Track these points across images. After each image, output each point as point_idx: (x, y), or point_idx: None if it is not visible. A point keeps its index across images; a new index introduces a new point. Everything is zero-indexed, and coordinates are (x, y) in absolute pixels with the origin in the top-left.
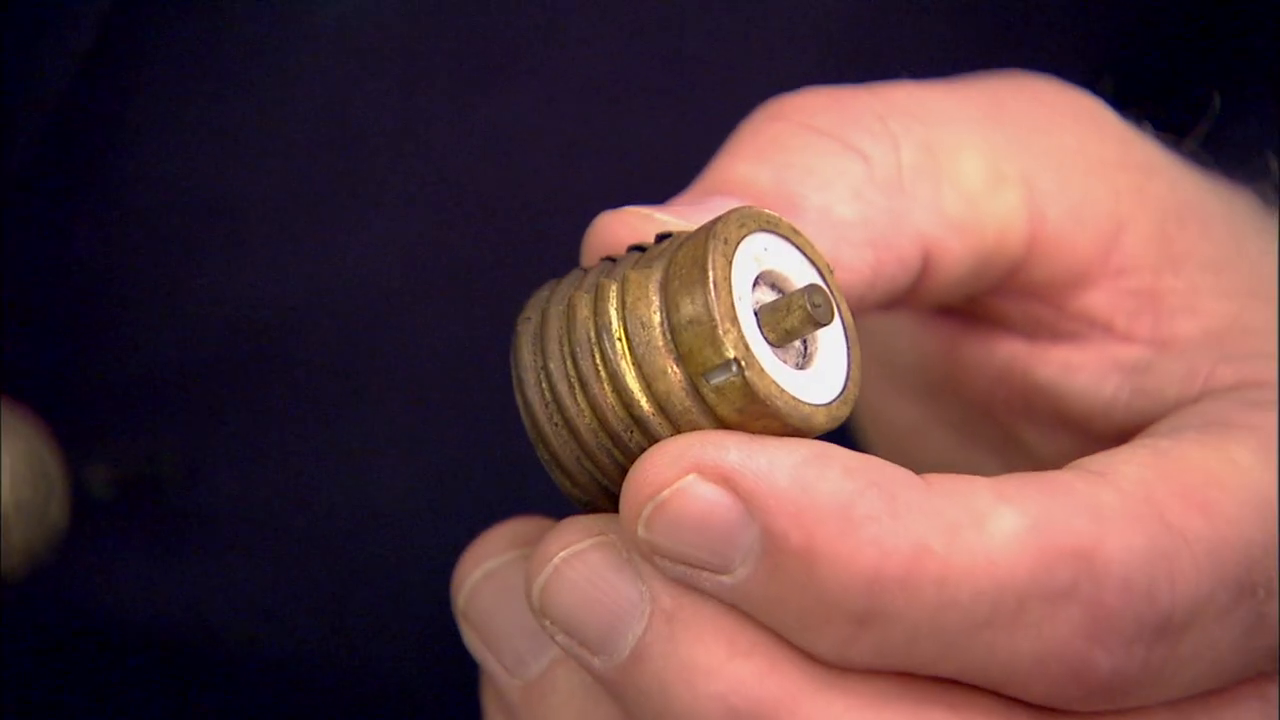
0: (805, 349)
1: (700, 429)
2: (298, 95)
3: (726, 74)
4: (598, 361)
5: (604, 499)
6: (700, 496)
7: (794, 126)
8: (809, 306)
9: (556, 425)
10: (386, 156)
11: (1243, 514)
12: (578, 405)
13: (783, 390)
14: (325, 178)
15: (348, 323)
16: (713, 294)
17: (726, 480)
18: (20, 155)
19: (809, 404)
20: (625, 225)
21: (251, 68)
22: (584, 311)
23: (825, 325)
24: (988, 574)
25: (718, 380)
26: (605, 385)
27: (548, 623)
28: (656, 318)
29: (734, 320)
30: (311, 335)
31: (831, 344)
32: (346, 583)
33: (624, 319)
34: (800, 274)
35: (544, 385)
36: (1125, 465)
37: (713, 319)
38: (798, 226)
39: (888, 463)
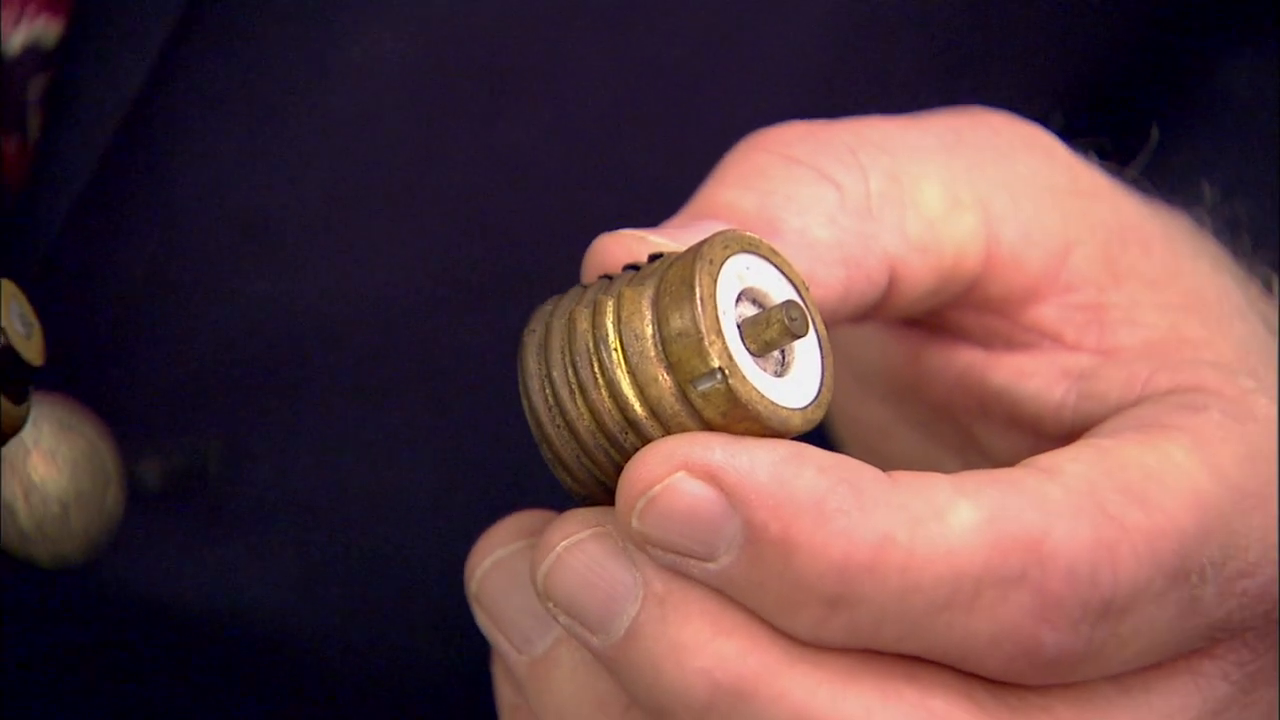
0: (783, 358)
1: (689, 431)
2: (330, 123)
3: (718, 106)
4: (596, 370)
5: (601, 494)
6: (688, 491)
7: (774, 157)
8: (786, 320)
9: (559, 427)
10: (409, 178)
11: (1177, 506)
12: (578, 409)
13: (762, 396)
14: (354, 198)
15: (374, 329)
16: (699, 309)
17: (712, 477)
18: (81, 177)
19: (786, 408)
20: (621, 245)
21: (288, 99)
22: (584, 324)
23: (801, 337)
24: (947, 562)
25: (704, 387)
26: (603, 391)
27: (551, 605)
28: (649, 330)
29: (718, 333)
30: (341, 340)
31: (807, 353)
32: (372, 564)
33: (620, 332)
34: (779, 290)
35: (547, 391)
36: (1071, 463)
37: (699, 332)
38: (777, 247)
39: (857, 461)
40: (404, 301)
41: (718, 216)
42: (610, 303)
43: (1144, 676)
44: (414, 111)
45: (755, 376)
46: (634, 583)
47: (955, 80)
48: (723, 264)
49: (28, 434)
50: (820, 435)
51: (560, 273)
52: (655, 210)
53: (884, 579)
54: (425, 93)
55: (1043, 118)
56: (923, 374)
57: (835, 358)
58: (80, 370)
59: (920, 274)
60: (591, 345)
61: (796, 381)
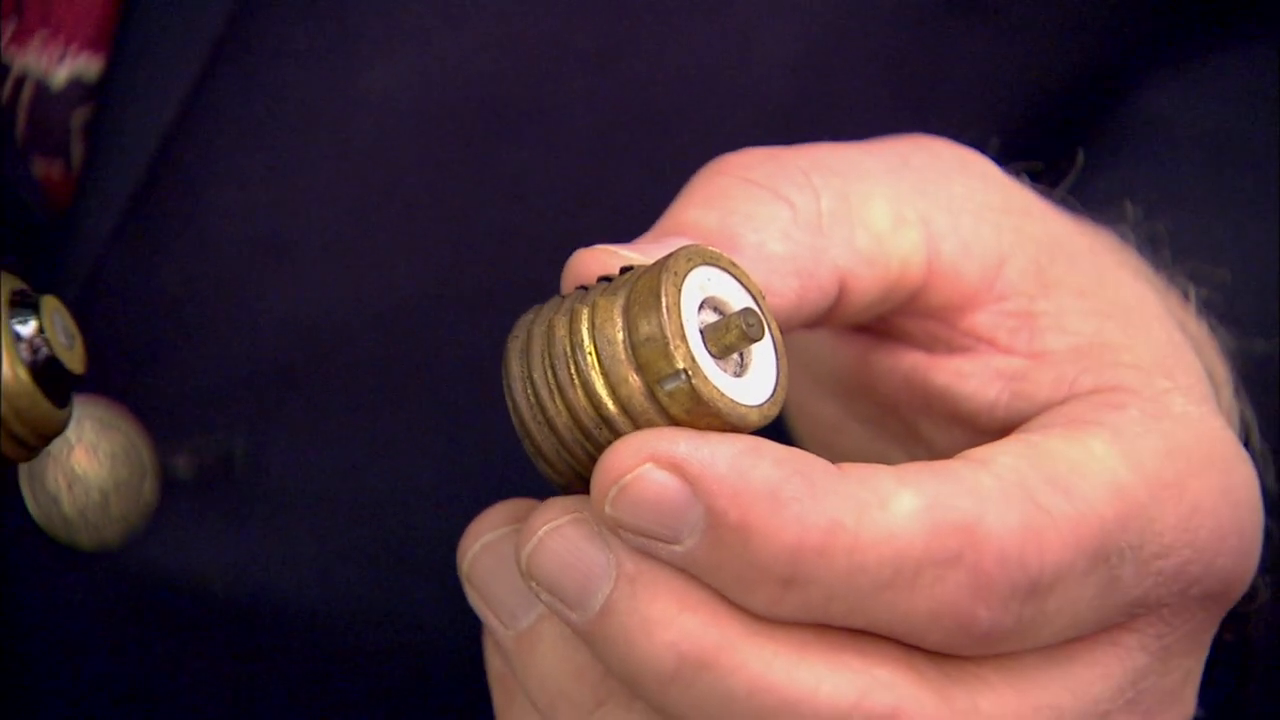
0: (742, 360)
1: (657, 426)
2: (346, 149)
3: (693, 135)
4: (572, 371)
5: (579, 483)
6: (655, 480)
7: (734, 179)
8: (744, 326)
9: (539, 423)
10: (417, 199)
11: (1098, 496)
12: (556, 407)
13: (723, 394)
14: (367, 217)
15: (385, 336)
16: (665, 316)
17: (676, 467)
18: (120, 201)
19: (745, 405)
20: (595, 259)
21: (309, 127)
22: (561, 331)
23: (757, 341)
24: (890, 545)
25: (670, 386)
26: (579, 391)
27: (534, 584)
28: (620, 336)
29: (683, 338)
30: (357, 345)
31: (763, 356)
32: (383, 549)
33: (594, 337)
34: (738, 299)
35: (529, 391)
36: (1002, 455)
37: (665, 337)
38: (736, 260)
39: (810, 454)
40: (412, 311)
41: (683, 233)
42: (585, 311)
43: (1069, 648)
44: (422, 138)
45: (716, 377)
46: (608, 564)
47: (904, 109)
48: (686, 275)
49: (71, 431)
50: (779, 431)
51: (553, 284)
52: (637, 227)
53: (833, 561)
54: (432, 121)
55: (981, 143)
56: (871, 375)
57: (791, 361)
58: (119, 374)
59: (868, 284)
60: (569, 349)
61: (754, 381)
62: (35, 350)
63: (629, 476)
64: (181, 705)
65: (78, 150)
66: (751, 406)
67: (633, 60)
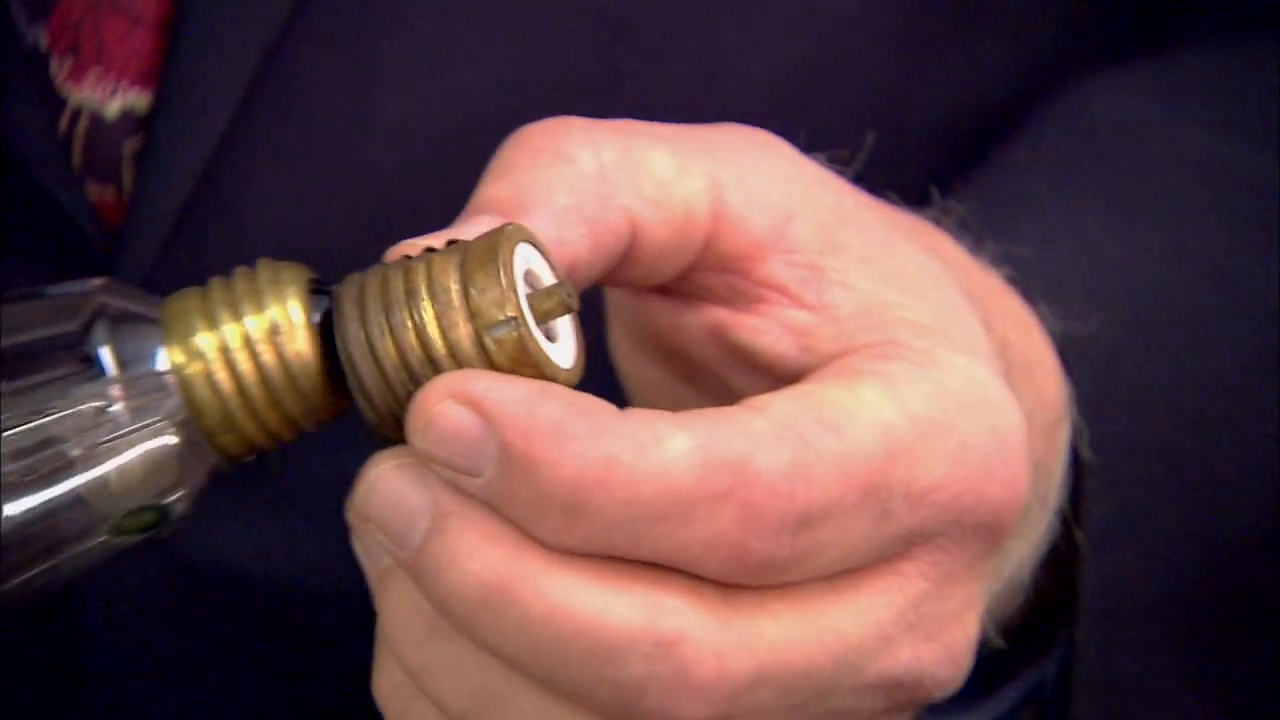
0: (549, 331)
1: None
2: (370, 173)
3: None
4: (406, 315)
5: (397, 429)
6: (455, 416)
7: (521, 149)
8: (564, 295)
9: (368, 363)
10: (434, 218)
11: (866, 434)
12: (386, 348)
13: (542, 349)
14: (390, 234)
15: None
16: (500, 272)
17: (475, 404)
18: (167, 223)
19: (557, 365)
20: (416, 250)
21: (337, 154)
22: (397, 282)
23: (573, 311)
24: (663, 481)
25: (499, 334)
26: (411, 334)
27: (369, 525)
28: (454, 286)
29: (515, 291)
30: None
31: (566, 331)
32: None
33: (429, 286)
34: (548, 277)
35: (361, 334)
36: (777, 401)
37: (500, 288)
38: (534, 229)
39: (596, 398)
40: None
41: (485, 209)
42: (421, 265)
43: (852, 577)
44: (436, 163)
45: (538, 335)
46: (427, 503)
47: (875, 133)
48: (516, 245)
49: None
50: (615, 397)
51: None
52: None
53: (610, 494)
54: (445, 147)
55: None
56: (682, 335)
57: (616, 327)
58: None
59: (657, 228)
60: (404, 296)
61: (561, 351)
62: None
63: (434, 410)
64: (227, 683)
65: (128, 176)
66: (561, 369)
67: (628, 90)
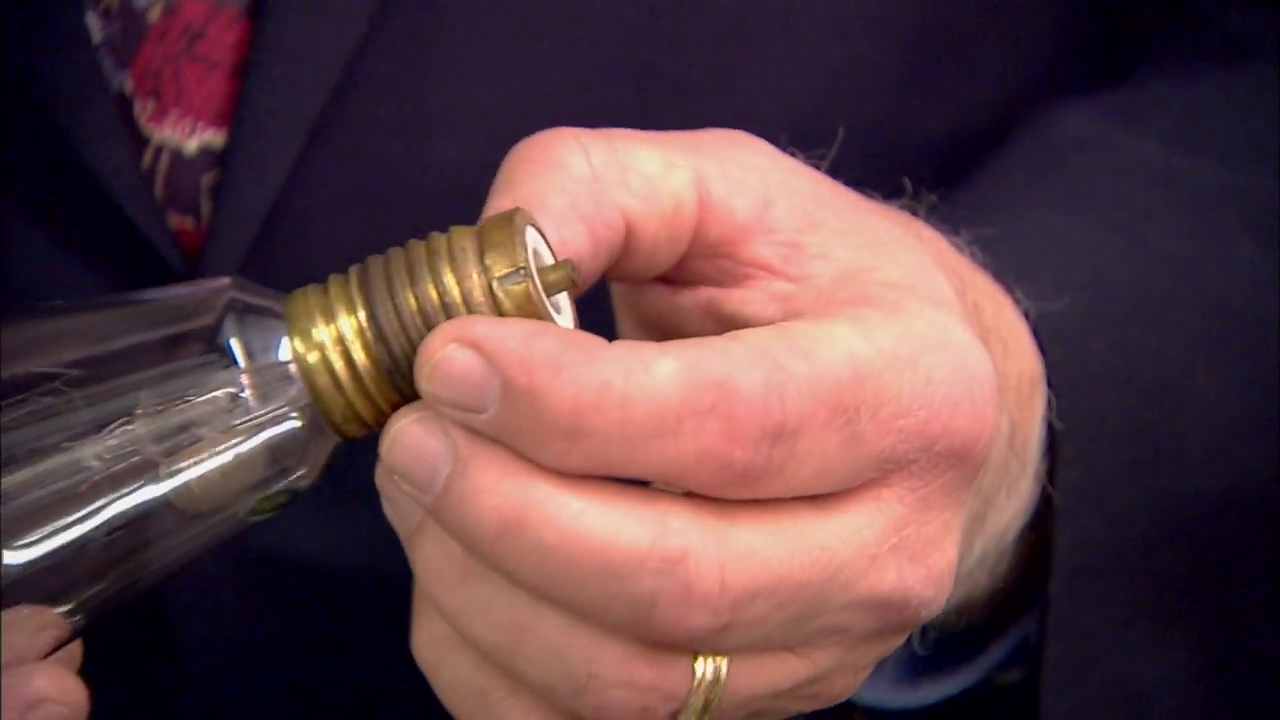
0: (555, 305)
1: None
2: (420, 206)
3: None
4: (426, 271)
5: (408, 385)
6: (459, 358)
7: (517, 162)
8: (569, 270)
9: (390, 322)
10: None
11: (834, 358)
12: (406, 301)
13: (545, 302)
14: None
15: None
16: (515, 234)
17: (477, 345)
18: (241, 251)
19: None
20: None
21: (394, 191)
22: (419, 249)
23: (574, 287)
24: (653, 400)
25: (510, 284)
26: (430, 287)
27: (395, 477)
28: (470, 245)
29: (524, 249)
30: None
31: (566, 309)
32: None
33: (449, 247)
34: (551, 260)
35: (386, 291)
36: (754, 331)
37: (513, 244)
38: (544, 231)
39: (589, 334)
40: None
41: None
42: (441, 235)
43: (835, 500)
44: (482, 200)
45: (543, 294)
46: (447, 450)
47: (873, 166)
48: (526, 223)
49: None
50: None
51: (607, 329)
52: None
53: (606, 415)
54: (490, 185)
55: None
56: (679, 316)
57: (622, 317)
58: None
59: (649, 220)
60: (425, 255)
61: (564, 321)
62: None
63: (438, 355)
64: (297, 662)
65: (206, 207)
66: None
67: (655, 128)
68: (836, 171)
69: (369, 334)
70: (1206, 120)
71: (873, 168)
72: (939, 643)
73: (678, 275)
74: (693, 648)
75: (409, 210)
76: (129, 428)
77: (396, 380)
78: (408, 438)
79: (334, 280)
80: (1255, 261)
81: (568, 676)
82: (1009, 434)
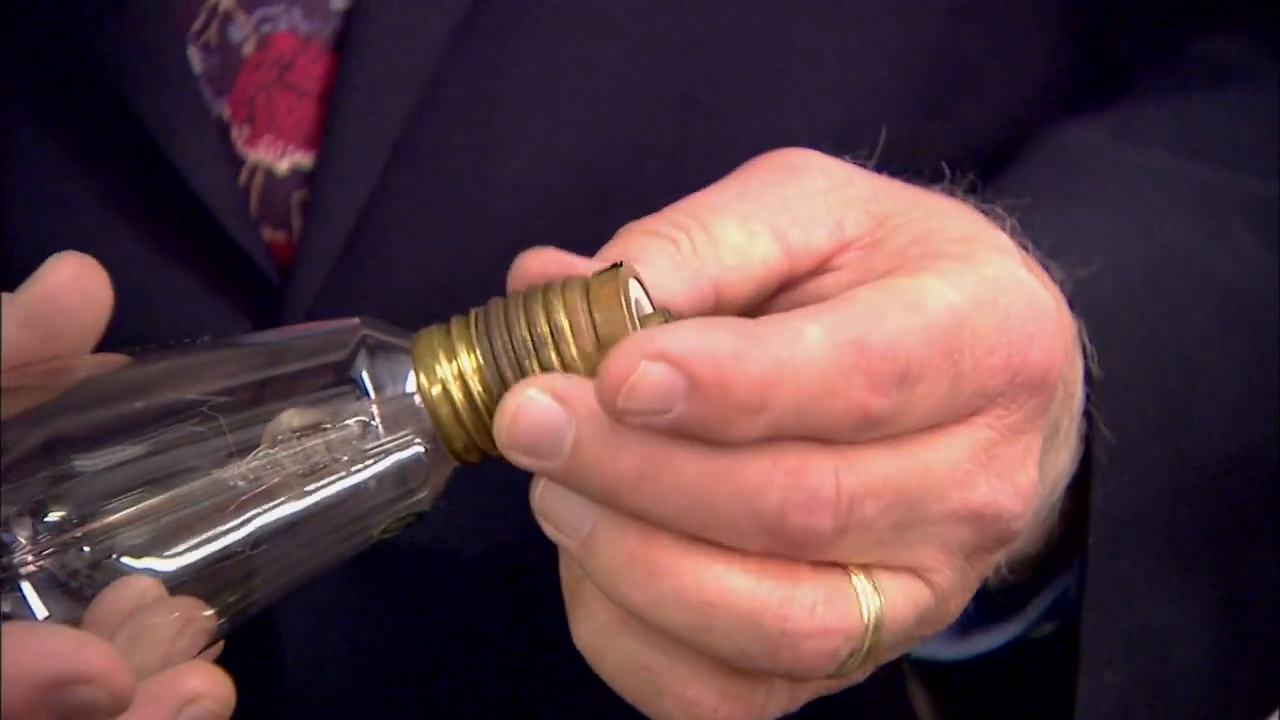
0: None
1: (590, 355)
2: (493, 219)
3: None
4: (542, 312)
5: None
6: (654, 372)
7: (634, 233)
8: (665, 318)
9: (506, 355)
10: None
11: (938, 307)
12: (522, 339)
13: None
14: (506, 275)
15: None
16: (623, 281)
17: (661, 356)
18: (328, 262)
19: None
20: (538, 259)
21: (467, 204)
22: (535, 293)
23: None
24: (813, 366)
25: (613, 328)
26: (544, 327)
27: (514, 452)
28: (580, 292)
29: (628, 297)
30: None
31: None
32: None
33: (562, 292)
34: (649, 306)
35: (503, 330)
36: (866, 291)
37: (617, 291)
38: (643, 279)
39: (744, 320)
40: None
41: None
42: (555, 284)
43: (939, 430)
44: (544, 213)
45: None
46: (567, 417)
47: (894, 172)
48: (628, 279)
49: None
50: None
51: None
52: None
53: (783, 388)
54: (550, 200)
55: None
56: (774, 309)
57: None
58: None
59: (740, 285)
60: (542, 299)
61: None
62: None
63: (635, 374)
64: (395, 643)
65: (297, 222)
66: None
67: (694, 149)
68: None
69: (486, 371)
70: (1201, 130)
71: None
72: (985, 600)
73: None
74: (820, 553)
75: (480, 224)
76: (270, 451)
77: None
78: (529, 413)
79: (456, 321)
80: (1255, 249)
81: (762, 639)
82: (1069, 358)
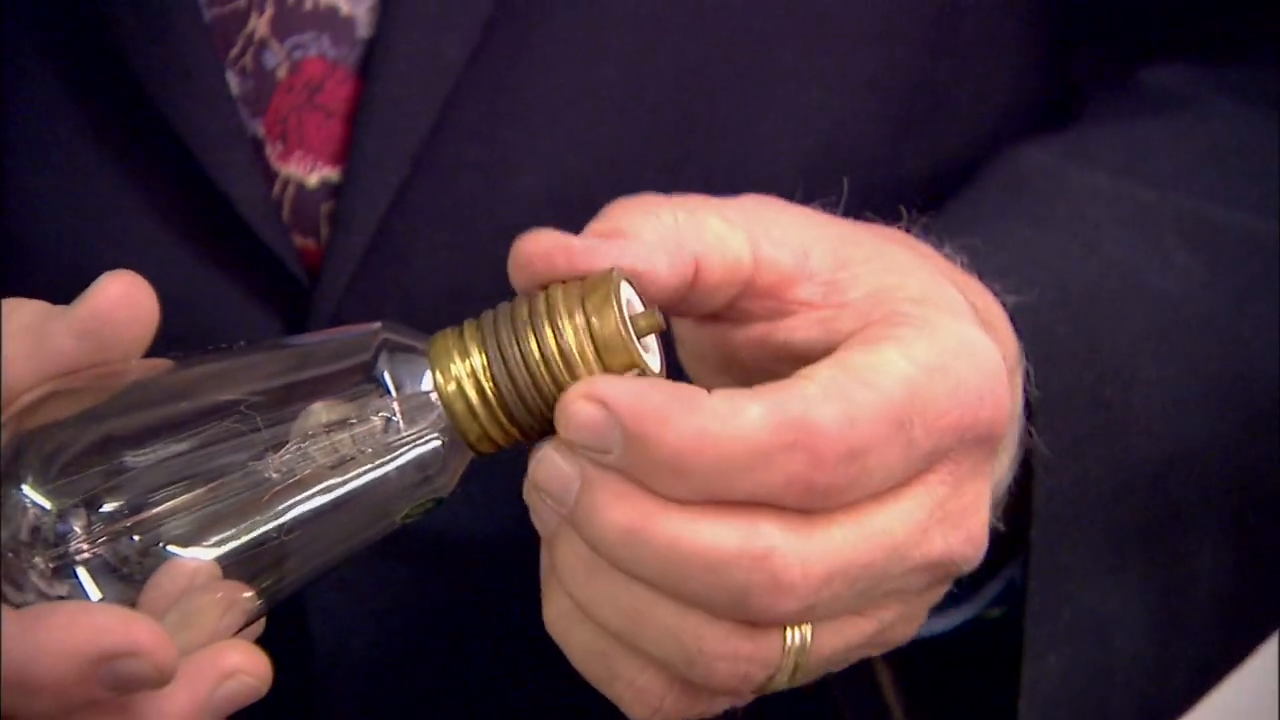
0: (644, 345)
1: (594, 370)
2: (501, 231)
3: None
4: (545, 316)
5: (536, 424)
6: (588, 411)
7: (620, 205)
8: (656, 318)
9: (511, 355)
10: None
11: (891, 383)
12: (526, 341)
13: (636, 341)
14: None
15: None
16: (615, 285)
17: (601, 401)
18: (351, 267)
19: (652, 369)
20: (534, 240)
21: (484, 218)
22: (538, 296)
23: (663, 330)
24: (745, 440)
25: (607, 330)
26: (546, 329)
27: (539, 492)
28: (576, 296)
29: (621, 300)
30: None
31: (653, 346)
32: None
33: (562, 295)
34: (640, 305)
35: (507, 333)
36: (822, 370)
37: (609, 294)
38: (634, 281)
39: (690, 386)
40: None
41: (597, 235)
42: (556, 287)
43: (893, 491)
44: (559, 222)
45: (638, 345)
46: (577, 472)
47: (872, 204)
48: (620, 283)
49: None
50: None
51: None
52: None
53: (704, 455)
54: (559, 212)
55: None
56: (736, 349)
57: (683, 351)
58: None
59: (714, 265)
60: (544, 303)
61: (652, 359)
62: None
63: (571, 408)
64: (419, 617)
65: (325, 231)
66: (654, 371)
67: (691, 165)
68: (843, 209)
69: (494, 369)
70: (1143, 153)
71: (870, 201)
72: None
73: (733, 315)
74: (782, 626)
75: (493, 232)
76: (302, 445)
77: (516, 408)
78: (549, 462)
79: (468, 324)
80: (1188, 265)
81: (680, 651)
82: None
